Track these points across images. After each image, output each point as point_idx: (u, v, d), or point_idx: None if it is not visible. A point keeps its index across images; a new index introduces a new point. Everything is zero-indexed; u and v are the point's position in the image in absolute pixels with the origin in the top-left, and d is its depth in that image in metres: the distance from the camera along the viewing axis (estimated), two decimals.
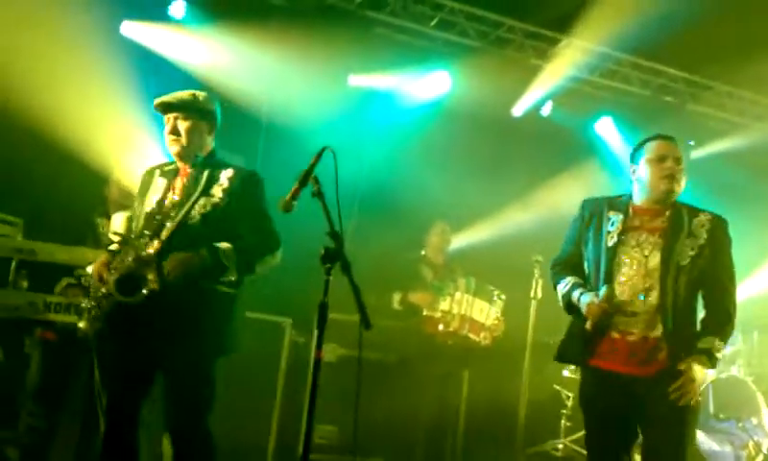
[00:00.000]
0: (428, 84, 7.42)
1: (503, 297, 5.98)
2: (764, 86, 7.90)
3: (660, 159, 3.53)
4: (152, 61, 6.40)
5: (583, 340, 3.46)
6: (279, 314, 5.95)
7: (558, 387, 6.60)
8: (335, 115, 6.57)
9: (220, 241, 3.44)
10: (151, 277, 3.32)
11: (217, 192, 3.52)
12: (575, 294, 3.51)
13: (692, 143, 8.61)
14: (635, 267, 3.44)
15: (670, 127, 8.07)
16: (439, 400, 6.02)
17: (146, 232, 3.45)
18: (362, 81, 7.11)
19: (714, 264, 3.48)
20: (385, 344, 6.01)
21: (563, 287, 3.60)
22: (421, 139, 7.06)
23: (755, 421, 6.25)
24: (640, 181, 3.59)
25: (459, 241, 6.69)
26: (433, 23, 7.20)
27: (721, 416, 6.23)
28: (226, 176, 3.56)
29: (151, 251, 3.36)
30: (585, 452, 3.73)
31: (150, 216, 3.53)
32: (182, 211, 3.46)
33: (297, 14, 6.73)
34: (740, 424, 6.24)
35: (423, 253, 6.37)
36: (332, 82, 6.82)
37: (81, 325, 3.43)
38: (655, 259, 3.43)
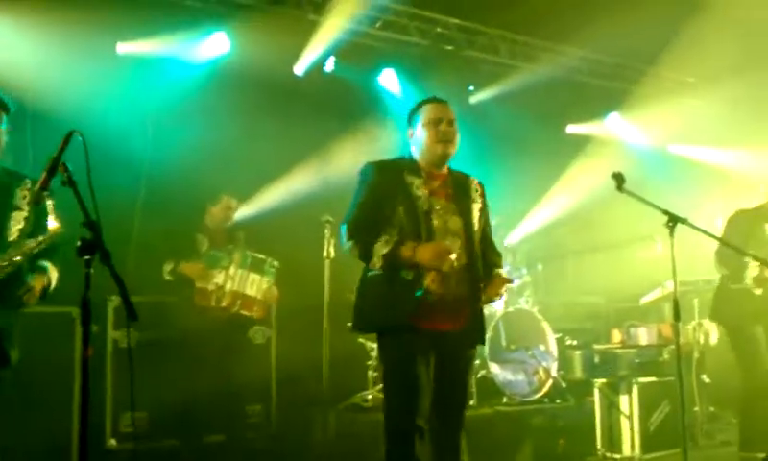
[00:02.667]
0: (205, 47, 7.15)
1: (276, 264, 6.08)
2: (531, 28, 8.31)
3: (435, 123, 3.70)
4: None
5: (406, 300, 3.50)
6: (67, 305, 5.60)
7: (362, 340, 6.73)
8: (108, 91, 6.19)
9: None
10: None
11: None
12: (405, 250, 3.49)
13: (472, 88, 8.96)
14: (441, 231, 3.60)
15: (450, 74, 8.43)
16: (230, 369, 5.89)
17: None
18: (132, 48, 6.71)
19: (488, 224, 3.88)
20: (165, 321, 5.79)
21: (383, 246, 3.52)
22: (204, 105, 6.82)
23: (542, 347, 6.71)
24: (418, 143, 3.75)
25: (249, 207, 6.58)
26: None
27: (512, 347, 6.63)
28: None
29: None
30: None
31: None
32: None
33: None
34: (530, 353, 6.68)
35: (204, 220, 6.20)
36: (100, 54, 6.36)
37: None
38: (455, 223, 3.64)
